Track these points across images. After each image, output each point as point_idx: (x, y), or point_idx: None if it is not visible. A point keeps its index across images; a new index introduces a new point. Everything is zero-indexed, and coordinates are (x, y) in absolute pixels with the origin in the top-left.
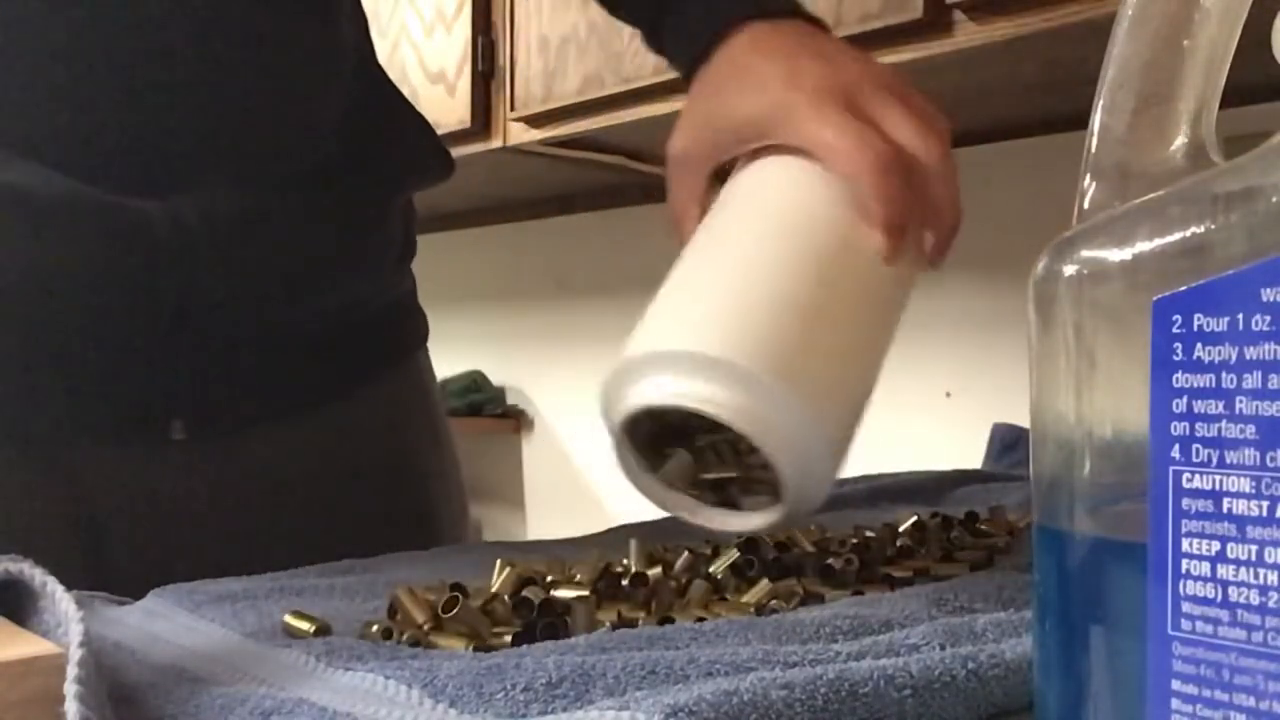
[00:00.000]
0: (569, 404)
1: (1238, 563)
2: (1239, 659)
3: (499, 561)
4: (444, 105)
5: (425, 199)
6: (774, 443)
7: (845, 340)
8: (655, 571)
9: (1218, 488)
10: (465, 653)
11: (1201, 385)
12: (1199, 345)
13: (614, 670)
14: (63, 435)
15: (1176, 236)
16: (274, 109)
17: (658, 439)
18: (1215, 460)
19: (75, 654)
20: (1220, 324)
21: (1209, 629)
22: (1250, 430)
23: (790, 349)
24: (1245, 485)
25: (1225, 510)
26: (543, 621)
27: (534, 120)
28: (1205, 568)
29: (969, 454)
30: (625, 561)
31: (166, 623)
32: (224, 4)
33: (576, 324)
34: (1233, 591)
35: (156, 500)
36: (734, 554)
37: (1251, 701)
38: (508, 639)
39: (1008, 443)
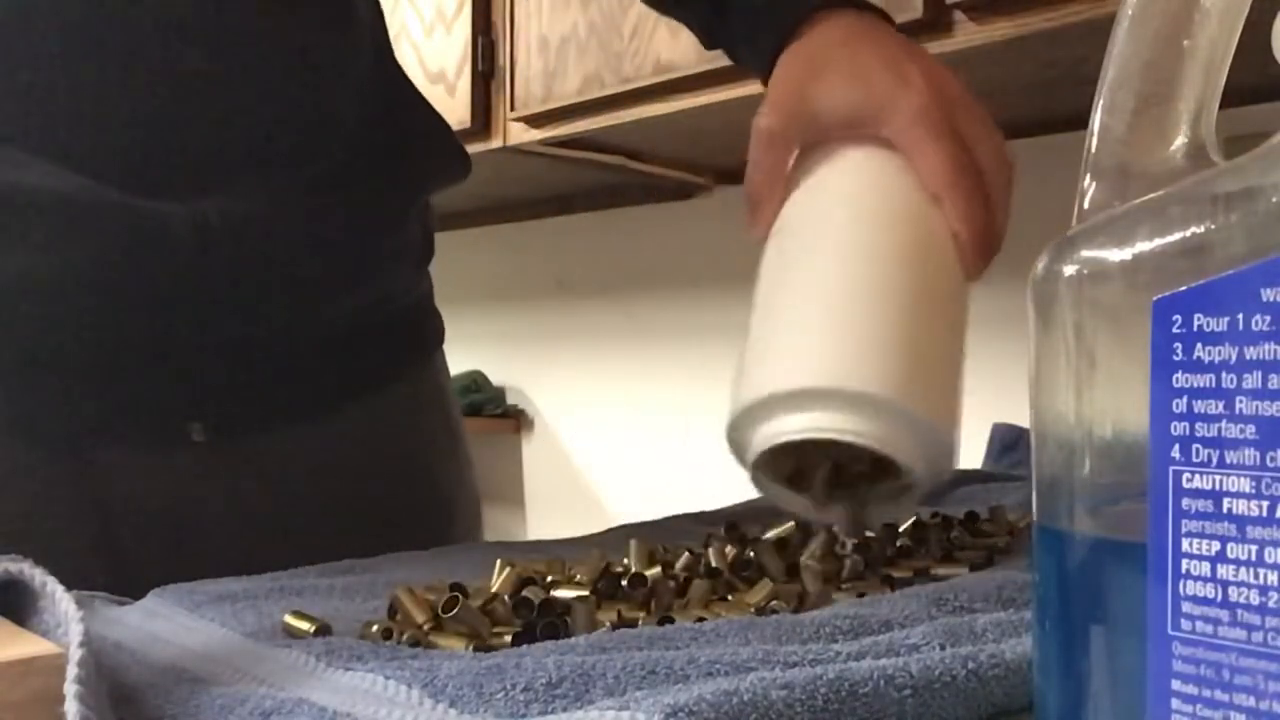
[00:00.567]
0: (569, 404)
1: (1238, 563)
2: (1239, 659)
3: (499, 561)
4: (444, 105)
5: None
6: (908, 455)
7: (949, 348)
8: (655, 571)
9: (1218, 488)
10: (465, 653)
11: (1201, 385)
12: (1199, 345)
13: (614, 670)
14: (84, 436)
15: (1176, 236)
16: (294, 111)
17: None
18: (1215, 460)
19: (75, 654)
20: (1220, 324)
21: (1209, 629)
22: (1250, 430)
23: (912, 371)
24: (1245, 485)
25: (1225, 510)
26: (543, 621)
27: (534, 120)
28: (1205, 568)
29: (969, 454)
30: (625, 561)
31: (166, 623)
32: (241, 12)
33: (576, 324)
34: (1233, 591)
35: (175, 501)
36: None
37: (1251, 701)
38: (508, 639)
39: (1008, 443)
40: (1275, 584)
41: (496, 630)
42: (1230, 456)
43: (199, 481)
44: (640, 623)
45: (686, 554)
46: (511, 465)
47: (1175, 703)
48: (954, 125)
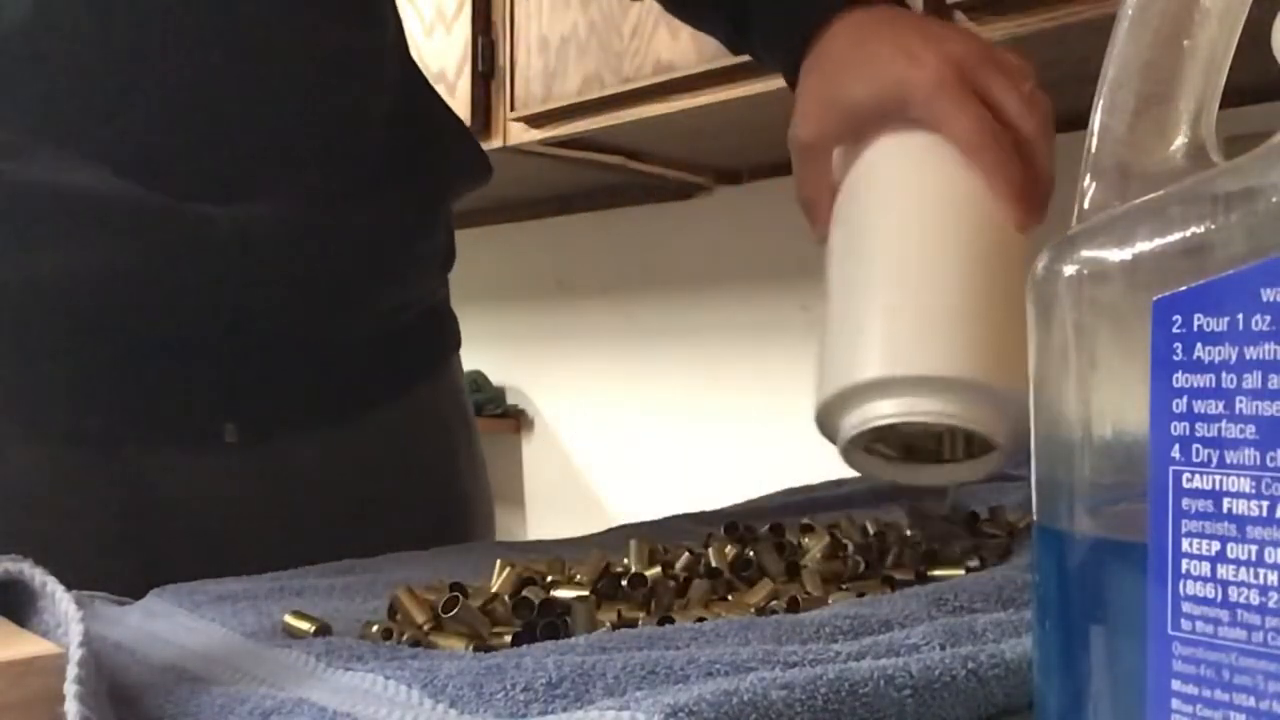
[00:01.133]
0: (569, 404)
1: (1238, 563)
2: (1239, 659)
3: (499, 561)
4: None
5: None
6: (993, 429)
7: (1016, 310)
8: (655, 571)
9: (1218, 488)
10: (465, 653)
11: (1201, 385)
12: (1199, 345)
13: (614, 670)
14: (120, 435)
15: (1176, 236)
16: (330, 114)
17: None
18: (1215, 460)
19: (75, 654)
20: (1220, 324)
21: (1209, 629)
22: (1250, 430)
23: (986, 347)
24: (1245, 485)
25: (1225, 510)
26: (543, 621)
27: (534, 120)
28: (1205, 568)
29: None
30: (625, 561)
31: (166, 623)
32: (277, 14)
33: (576, 324)
34: (1233, 591)
35: (207, 501)
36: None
37: (1251, 701)
38: (508, 639)
39: None
40: (1275, 584)
41: (496, 630)
42: (1230, 456)
43: (231, 482)
44: (640, 623)
45: (686, 554)
46: (511, 465)
47: (1175, 703)
48: (975, 88)
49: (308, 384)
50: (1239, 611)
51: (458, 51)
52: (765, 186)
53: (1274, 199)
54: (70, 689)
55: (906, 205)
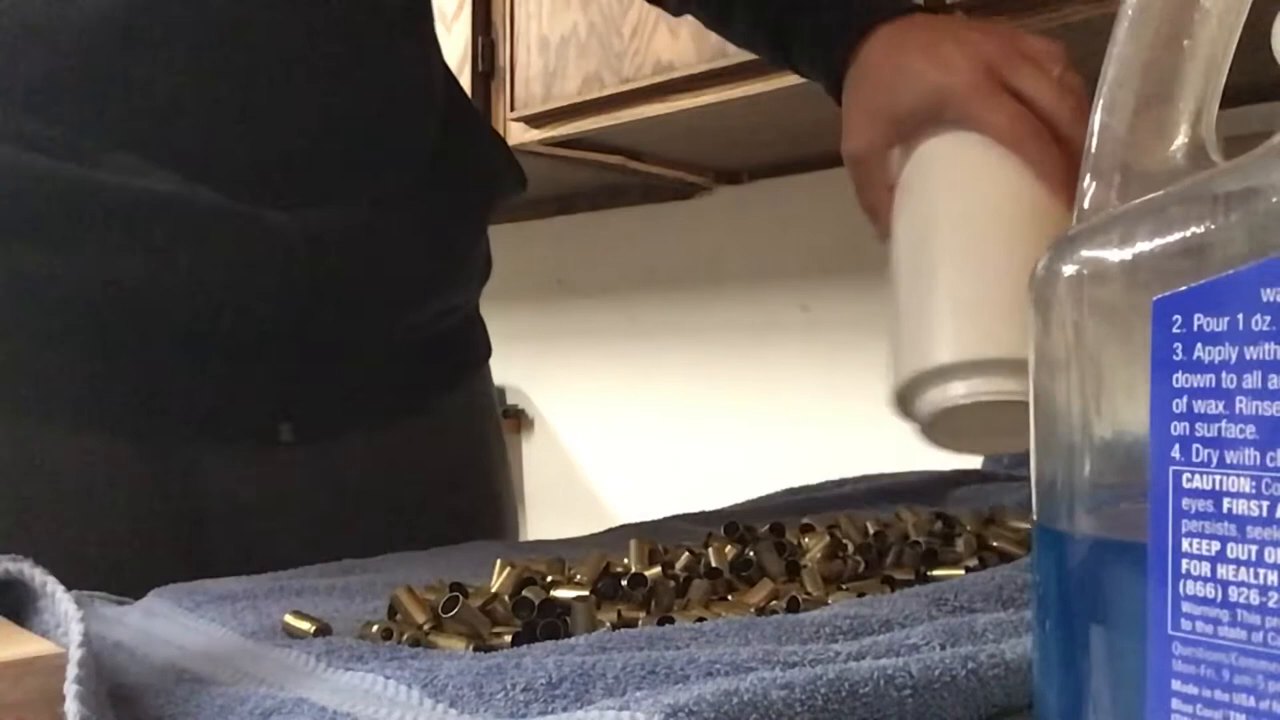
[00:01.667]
0: (569, 404)
1: (1238, 563)
2: (1239, 659)
3: (499, 561)
4: None
5: None
6: None
7: None
8: (655, 571)
9: (1218, 488)
10: (465, 653)
11: (1201, 385)
12: (1199, 345)
13: (614, 670)
14: (179, 434)
15: (1176, 236)
16: (392, 121)
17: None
18: (1215, 460)
19: (75, 654)
20: (1220, 324)
21: (1209, 629)
22: (1250, 430)
23: None
24: (1245, 485)
25: (1225, 510)
26: (543, 621)
27: (534, 120)
28: (1205, 568)
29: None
30: (625, 561)
31: (166, 623)
32: (347, 30)
33: (577, 324)
34: (1233, 591)
35: (260, 499)
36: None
37: (1251, 701)
38: (508, 639)
39: None
40: (1275, 584)
41: (496, 630)
42: (1230, 456)
43: (283, 480)
44: (640, 623)
45: (686, 554)
46: (511, 465)
47: (1175, 703)
48: (1007, 85)
49: (361, 385)
50: (1239, 611)
51: (458, 51)
52: (765, 186)
53: (1274, 199)
54: (70, 689)
55: (963, 200)
